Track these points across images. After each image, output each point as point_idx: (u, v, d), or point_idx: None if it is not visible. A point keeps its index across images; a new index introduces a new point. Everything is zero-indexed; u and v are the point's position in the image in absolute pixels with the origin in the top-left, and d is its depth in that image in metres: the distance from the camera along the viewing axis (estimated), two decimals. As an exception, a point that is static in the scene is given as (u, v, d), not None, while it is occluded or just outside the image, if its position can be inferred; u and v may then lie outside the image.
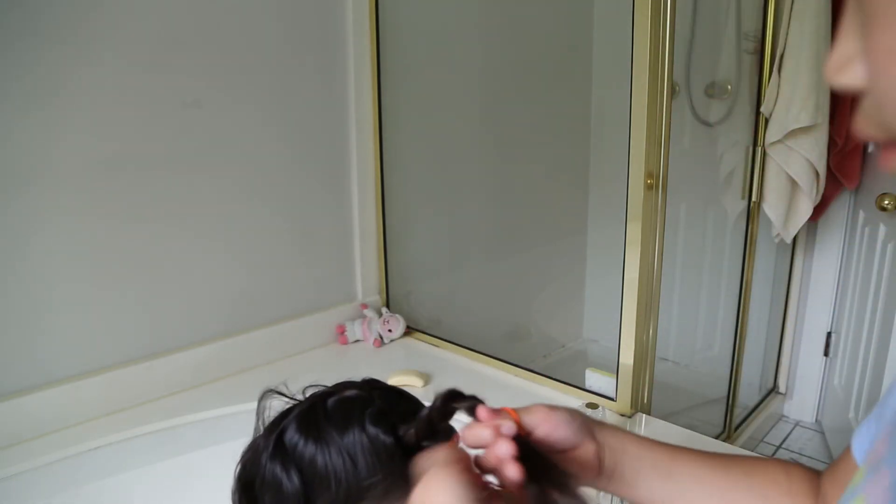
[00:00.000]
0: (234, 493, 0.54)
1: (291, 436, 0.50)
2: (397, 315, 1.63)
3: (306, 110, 1.49)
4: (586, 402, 1.22)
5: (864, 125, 0.28)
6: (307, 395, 0.54)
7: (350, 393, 0.51)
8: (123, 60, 1.18)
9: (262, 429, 0.54)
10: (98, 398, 1.21)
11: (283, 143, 1.46)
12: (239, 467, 0.54)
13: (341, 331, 1.60)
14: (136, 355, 1.27)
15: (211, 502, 1.15)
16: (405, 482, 0.48)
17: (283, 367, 1.46)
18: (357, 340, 1.61)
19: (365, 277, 1.68)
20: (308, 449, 0.49)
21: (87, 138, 1.16)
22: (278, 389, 0.55)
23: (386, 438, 0.48)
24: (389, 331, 1.60)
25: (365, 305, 1.65)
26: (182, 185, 1.30)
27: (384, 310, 1.66)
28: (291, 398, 0.55)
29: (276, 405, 0.55)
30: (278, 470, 0.49)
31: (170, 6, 1.23)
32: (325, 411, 0.50)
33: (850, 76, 0.27)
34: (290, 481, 0.48)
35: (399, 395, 0.55)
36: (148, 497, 1.12)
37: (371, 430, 0.48)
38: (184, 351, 1.33)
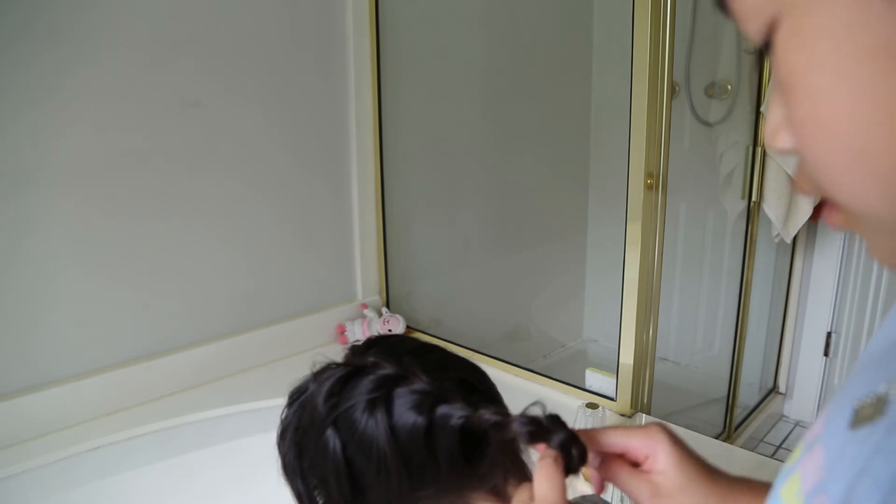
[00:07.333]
0: (284, 439, 0.53)
1: (357, 415, 0.48)
2: (397, 315, 1.63)
3: (307, 110, 1.49)
4: (586, 402, 1.21)
5: (802, 183, 0.30)
6: (371, 367, 0.50)
7: (420, 386, 0.49)
8: (124, 60, 1.18)
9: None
10: (98, 398, 1.21)
11: (282, 142, 1.46)
12: (294, 414, 0.53)
13: (341, 330, 1.60)
14: (136, 355, 1.27)
15: (211, 502, 1.15)
16: (457, 493, 0.49)
17: (283, 367, 1.46)
18: (357, 340, 1.60)
19: (365, 277, 1.68)
20: (367, 432, 0.48)
21: (86, 138, 1.16)
22: (336, 361, 0.52)
23: (451, 443, 0.47)
24: (389, 331, 1.60)
25: (365, 305, 1.65)
26: (182, 185, 1.30)
27: (384, 310, 1.66)
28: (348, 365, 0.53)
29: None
30: (331, 441, 0.48)
31: (170, 6, 1.23)
32: (390, 399, 0.49)
33: (781, 142, 0.29)
34: (335, 455, 0.48)
35: (471, 387, 0.52)
36: (148, 497, 1.12)
37: (437, 432, 0.47)
38: (184, 351, 1.33)
